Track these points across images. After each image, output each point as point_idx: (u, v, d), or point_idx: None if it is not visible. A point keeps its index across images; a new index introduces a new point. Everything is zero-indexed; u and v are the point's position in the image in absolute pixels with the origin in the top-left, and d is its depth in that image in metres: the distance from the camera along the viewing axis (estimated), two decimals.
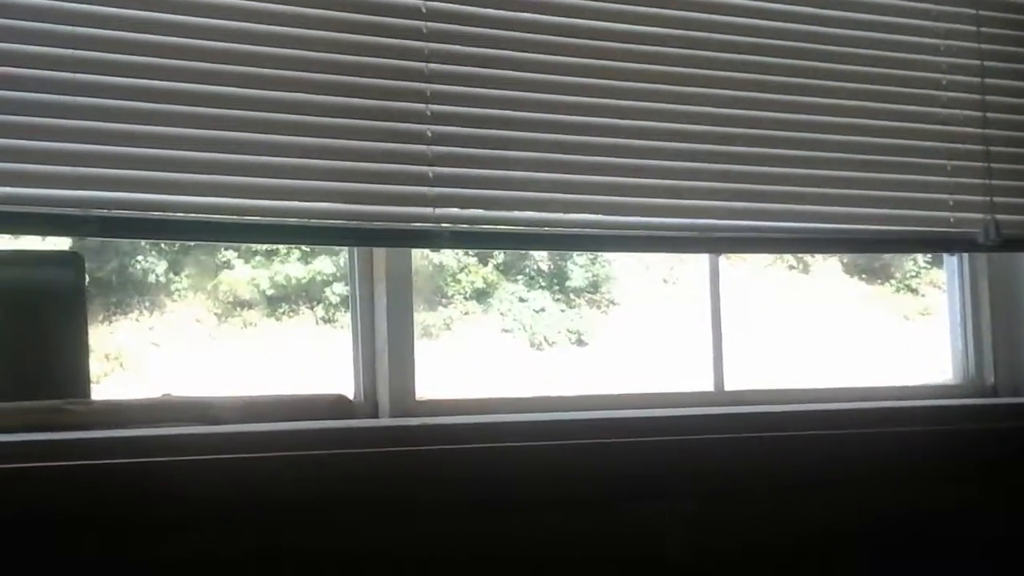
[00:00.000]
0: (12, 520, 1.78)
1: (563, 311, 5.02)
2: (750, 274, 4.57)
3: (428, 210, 2.27)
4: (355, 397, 2.39)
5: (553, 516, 2.13)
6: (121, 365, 4.41)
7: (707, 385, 2.68)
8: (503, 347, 4.83)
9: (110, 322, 4.46)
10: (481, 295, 4.93)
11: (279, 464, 1.98)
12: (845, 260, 4.30)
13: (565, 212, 2.39)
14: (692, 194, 2.49)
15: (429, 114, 2.27)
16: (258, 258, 4.66)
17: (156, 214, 2.10)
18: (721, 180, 2.52)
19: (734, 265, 2.75)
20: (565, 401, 2.51)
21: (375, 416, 2.38)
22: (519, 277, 5.01)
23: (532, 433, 2.20)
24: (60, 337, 2.17)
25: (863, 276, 4.48)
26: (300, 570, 1.97)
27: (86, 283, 2.24)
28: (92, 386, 2.22)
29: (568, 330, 5.03)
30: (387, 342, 2.36)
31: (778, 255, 3.63)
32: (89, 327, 2.22)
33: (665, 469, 2.21)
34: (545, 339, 4.96)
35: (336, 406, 2.32)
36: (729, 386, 2.68)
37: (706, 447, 2.27)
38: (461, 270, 4.95)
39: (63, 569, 1.83)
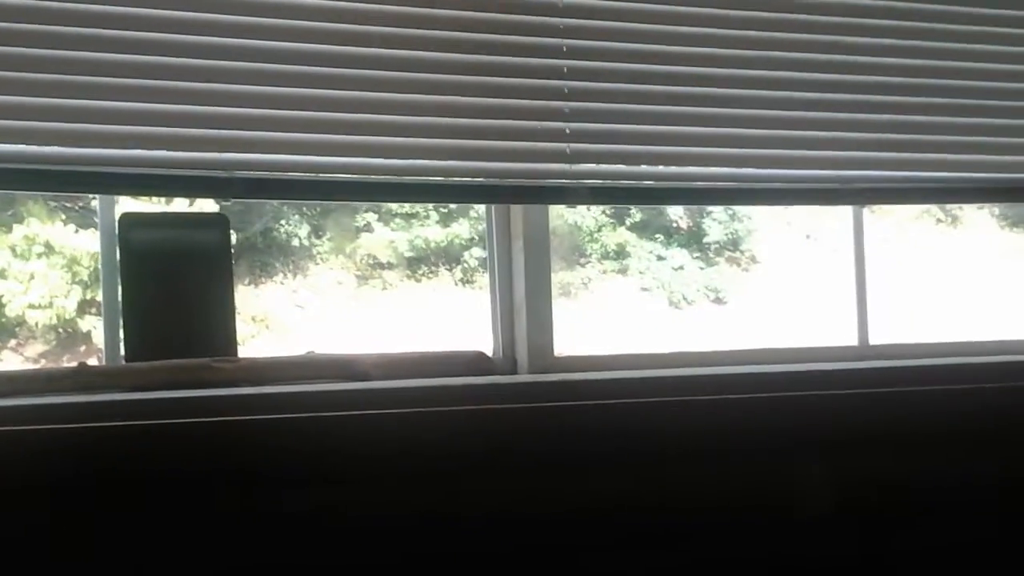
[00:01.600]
0: (162, 474, 1.84)
1: (702, 268, 4.98)
2: (896, 228, 4.46)
3: (565, 166, 2.26)
4: (494, 354, 2.40)
5: (690, 471, 2.11)
6: (267, 327, 4.53)
7: (851, 340, 2.62)
8: (641, 305, 4.81)
9: (256, 284, 4.57)
10: (619, 254, 4.92)
11: (421, 420, 2.00)
12: (996, 212, 4.17)
13: (703, 165, 2.35)
14: (833, 144, 2.43)
15: (565, 70, 2.25)
16: (397, 220, 4.72)
17: (297, 175, 2.13)
18: (863, 129, 2.45)
19: (879, 218, 2.68)
20: (704, 357, 2.48)
21: (514, 372, 2.38)
22: (657, 235, 4.98)
23: (671, 389, 2.19)
24: (208, 297, 2.22)
25: (1016, 229, 4.34)
26: (438, 525, 1.99)
27: (232, 244, 2.28)
28: (239, 348, 2.27)
29: (707, 288, 4.99)
30: (525, 299, 2.36)
31: (925, 208, 3.53)
32: (236, 289, 2.27)
33: (806, 424, 2.17)
34: (684, 297, 4.93)
35: (476, 363, 2.34)
36: (873, 340, 2.62)
37: (850, 402, 2.22)
38: (599, 229, 4.94)
39: (208, 521, 1.88)
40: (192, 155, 2.06)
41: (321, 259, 4.63)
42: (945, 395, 2.26)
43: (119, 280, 2.17)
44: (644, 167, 2.33)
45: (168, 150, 2.04)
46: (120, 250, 2.16)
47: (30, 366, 4.16)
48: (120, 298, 2.18)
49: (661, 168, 2.34)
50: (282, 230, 4.65)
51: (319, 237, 4.66)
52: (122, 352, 2.20)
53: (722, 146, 2.35)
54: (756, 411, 2.16)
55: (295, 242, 4.56)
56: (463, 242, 4.75)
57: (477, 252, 4.85)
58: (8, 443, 1.79)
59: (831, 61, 2.44)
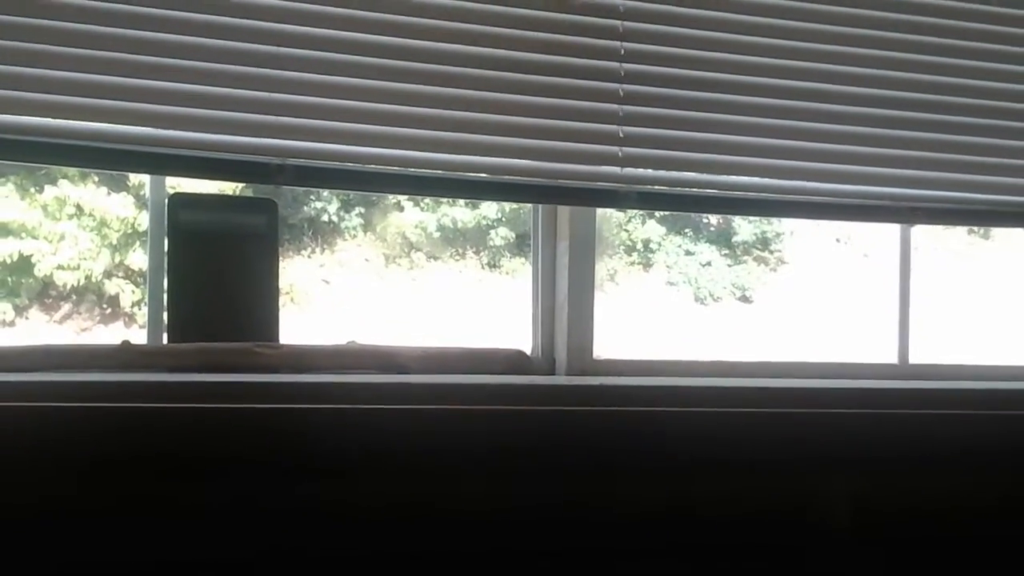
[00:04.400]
0: (199, 457, 1.85)
1: (730, 266, 4.98)
2: (927, 237, 4.45)
3: (616, 170, 2.24)
4: (533, 353, 2.39)
5: (721, 482, 2.11)
6: (292, 300, 4.54)
7: (889, 357, 2.61)
8: (667, 299, 4.81)
9: (283, 257, 4.56)
10: (647, 247, 4.92)
11: (458, 416, 2.00)
12: None
13: (753, 176, 2.34)
14: (886, 162, 2.41)
15: (623, 72, 2.24)
16: (427, 201, 4.73)
17: (350, 165, 2.12)
18: (917, 148, 2.43)
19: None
20: (743, 367, 2.48)
21: (552, 373, 2.38)
22: (686, 230, 4.97)
23: (711, 399, 2.18)
24: (252, 281, 2.22)
25: None
26: (468, 522, 1.99)
27: (278, 229, 2.28)
28: None
29: (734, 285, 4.99)
30: (567, 300, 2.35)
31: None
32: None
33: (843, 441, 2.16)
34: (710, 293, 4.93)
35: (515, 361, 2.33)
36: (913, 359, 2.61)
37: (888, 422, 2.21)
38: (628, 221, 4.94)
39: (242, 507, 1.88)
40: (242, 139, 2.05)
41: (350, 235, 4.64)
42: (987, 420, 2.25)
43: (165, 259, 2.17)
44: (695, 174, 2.31)
45: (221, 134, 2.03)
46: (168, 229, 2.16)
47: (56, 326, 4.17)
48: (165, 277, 2.18)
49: (713, 176, 2.32)
50: (312, 205, 4.65)
51: (348, 213, 4.67)
52: (164, 332, 2.20)
53: (775, 158, 2.34)
54: (792, 425, 2.16)
55: (324, 217, 4.56)
56: (489, 223, 4.76)
57: (503, 232, 4.84)
58: (48, 419, 1.79)
59: (885, 76, 2.42)
